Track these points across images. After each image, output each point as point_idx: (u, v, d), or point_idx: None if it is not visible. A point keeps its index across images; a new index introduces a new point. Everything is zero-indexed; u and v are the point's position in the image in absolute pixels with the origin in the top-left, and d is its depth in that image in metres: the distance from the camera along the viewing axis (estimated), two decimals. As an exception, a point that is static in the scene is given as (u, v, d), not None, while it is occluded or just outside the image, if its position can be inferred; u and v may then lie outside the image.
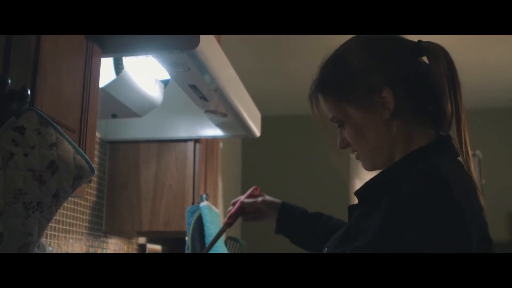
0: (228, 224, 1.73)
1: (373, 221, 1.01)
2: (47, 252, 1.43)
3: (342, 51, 1.21)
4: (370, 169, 1.22)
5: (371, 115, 1.15)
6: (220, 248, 2.46)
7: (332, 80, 1.20)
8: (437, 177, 1.00)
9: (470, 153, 1.11)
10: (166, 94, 2.20)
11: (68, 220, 2.28)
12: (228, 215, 1.73)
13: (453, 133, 1.16)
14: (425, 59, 1.18)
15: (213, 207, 2.61)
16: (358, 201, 1.16)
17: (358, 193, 1.16)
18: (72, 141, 1.19)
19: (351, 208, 1.16)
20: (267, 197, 1.68)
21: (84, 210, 2.43)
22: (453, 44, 4.07)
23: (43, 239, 2.06)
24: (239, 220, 5.30)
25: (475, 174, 1.11)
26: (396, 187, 1.02)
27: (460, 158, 1.12)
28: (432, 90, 1.14)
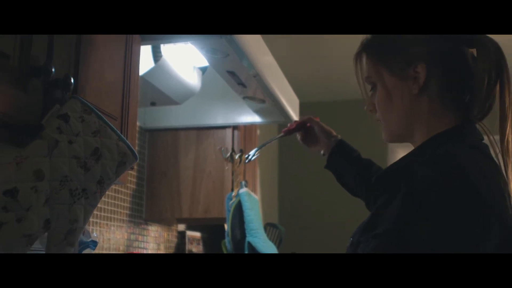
0: (286, 132, 1.68)
1: (393, 208, 1.00)
2: (92, 238, 1.45)
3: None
4: (387, 139, 1.23)
5: (402, 84, 1.15)
6: (260, 233, 2.46)
7: (377, 42, 1.20)
8: (453, 163, 0.99)
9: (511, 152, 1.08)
10: (204, 81, 2.20)
11: (109, 208, 2.31)
12: (289, 125, 1.69)
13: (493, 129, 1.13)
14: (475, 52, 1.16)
15: (252, 194, 2.62)
16: (380, 189, 1.15)
17: (376, 179, 1.16)
18: (115, 128, 1.20)
19: (376, 196, 1.15)
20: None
21: (125, 198, 2.45)
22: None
23: (87, 226, 2.10)
24: (277, 206, 5.29)
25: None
26: (412, 174, 1.01)
27: (483, 144, 1.11)
28: (469, 80, 1.12)
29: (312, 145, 1.68)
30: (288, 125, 1.69)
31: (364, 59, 1.22)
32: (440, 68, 1.13)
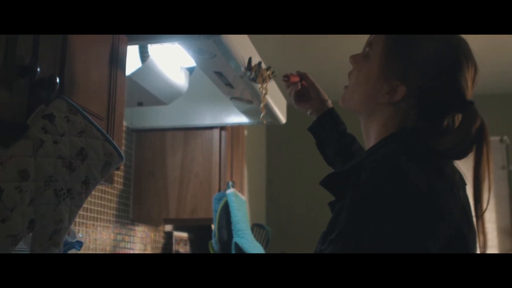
0: (286, 80, 1.63)
1: (343, 213, 1.01)
2: (78, 239, 1.44)
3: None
4: (342, 104, 1.25)
5: (380, 84, 1.15)
6: (247, 234, 2.46)
7: (402, 37, 1.17)
8: (394, 165, 1.00)
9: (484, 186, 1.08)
10: (191, 81, 2.20)
11: (96, 208, 2.30)
12: (291, 76, 1.65)
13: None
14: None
15: (239, 194, 2.62)
16: (334, 195, 1.13)
17: (321, 183, 1.14)
18: (101, 128, 1.19)
19: (331, 204, 1.15)
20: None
21: (112, 198, 2.45)
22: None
23: (72, 227, 2.09)
24: (264, 207, 5.28)
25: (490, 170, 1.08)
26: (357, 178, 1.00)
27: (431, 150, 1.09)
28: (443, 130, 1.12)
29: (301, 102, 1.66)
30: (290, 75, 1.65)
31: (379, 36, 1.20)
32: (419, 102, 1.12)
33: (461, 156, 1.08)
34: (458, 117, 1.12)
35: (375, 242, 0.95)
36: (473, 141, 1.07)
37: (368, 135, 1.20)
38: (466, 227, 1.04)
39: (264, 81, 1.69)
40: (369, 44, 1.22)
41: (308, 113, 1.65)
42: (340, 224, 1.00)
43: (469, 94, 1.14)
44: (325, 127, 1.60)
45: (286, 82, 1.63)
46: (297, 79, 1.64)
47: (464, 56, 1.13)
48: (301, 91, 1.66)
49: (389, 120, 1.15)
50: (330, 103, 1.63)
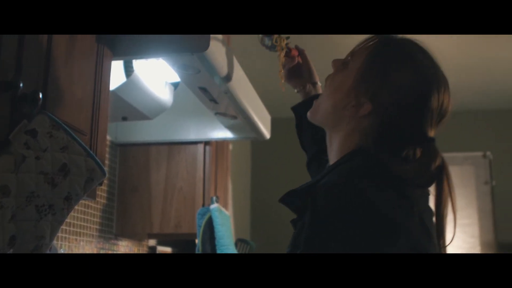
0: (287, 50, 1.63)
1: (303, 232, 1.01)
2: (59, 254, 1.43)
3: (401, 44, 1.19)
4: (310, 117, 1.27)
5: (349, 96, 1.16)
6: (230, 249, 2.46)
7: (379, 53, 1.17)
8: (350, 186, 1.00)
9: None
10: (176, 96, 2.20)
11: (79, 223, 2.29)
12: (293, 50, 1.64)
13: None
14: None
15: (223, 209, 2.61)
16: (294, 212, 1.13)
17: (280, 200, 1.15)
18: (84, 144, 1.19)
19: (293, 222, 1.15)
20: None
21: (95, 212, 2.43)
22: (466, 44, 4.04)
23: (54, 242, 2.07)
24: (249, 222, 5.25)
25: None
26: (313, 197, 1.01)
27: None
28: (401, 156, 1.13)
29: (292, 78, 1.66)
30: (291, 49, 1.64)
31: (363, 48, 1.21)
32: (380, 125, 1.13)
33: (422, 186, 1.09)
34: (419, 150, 1.11)
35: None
36: (433, 178, 1.07)
37: (331, 148, 1.21)
38: (428, 246, 1.04)
39: (282, 49, 1.66)
40: (351, 53, 1.23)
41: (296, 90, 1.65)
42: (300, 244, 1.00)
43: (433, 131, 1.13)
44: (304, 111, 1.59)
45: (287, 53, 1.62)
46: (296, 53, 1.63)
47: (437, 92, 1.13)
48: (295, 67, 1.66)
49: (351, 135, 1.16)
50: (319, 87, 1.63)
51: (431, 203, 1.09)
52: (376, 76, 1.14)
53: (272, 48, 1.64)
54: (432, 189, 1.09)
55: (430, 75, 1.14)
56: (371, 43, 1.20)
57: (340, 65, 1.24)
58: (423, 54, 1.17)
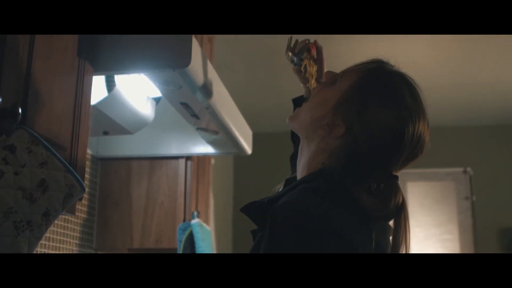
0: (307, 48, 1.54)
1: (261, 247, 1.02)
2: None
3: (389, 77, 1.20)
4: (289, 122, 1.29)
5: (326, 114, 1.18)
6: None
7: (366, 80, 1.19)
8: (306, 202, 1.01)
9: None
10: (157, 111, 2.20)
11: (58, 237, 2.27)
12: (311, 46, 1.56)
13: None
14: None
15: (204, 225, 2.61)
16: (255, 223, 1.15)
17: (242, 210, 1.15)
18: (63, 160, 1.19)
19: (253, 232, 1.15)
20: None
21: (75, 227, 2.42)
22: (446, 61, 4.09)
23: (33, 257, 2.05)
24: (231, 237, 5.22)
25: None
26: (273, 212, 1.02)
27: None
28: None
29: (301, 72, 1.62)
30: (310, 44, 1.56)
31: (353, 70, 1.22)
32: (348, 152, 1.14)
33: (380, 219, 1.09)
34: (382, 184, 1.12)
35: None
36: (392, 213, 1.08)
37: (300, 160, 1.23)
38: None
39: (312, 76, 1.61)
40: (344, 72, 1.24)
41: (302, 85, 1.63)
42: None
43: (399, 170, 1.15)
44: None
45: (316, 79, 1.57)
46: (314, 51, 1.57)
47: (412, 135, 1.13)
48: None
49: (320, 153, 1.17)
50: None
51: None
52: (357, 104, 1.15)
53: (298, 66, 1.56)
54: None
55: (409, 117, 1.14)
56: (363, 69, 1.21)
57: (331, 80, 1.25)
58: (409, 91, 1.17)
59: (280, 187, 1.18)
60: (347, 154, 1.13)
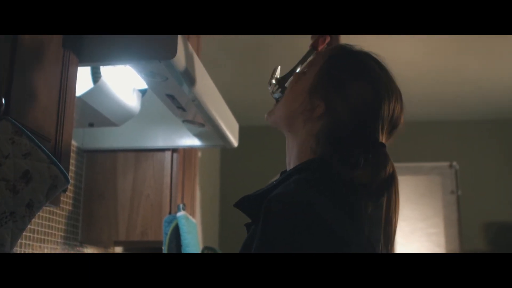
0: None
1: (254, 241, 1.02)
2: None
3: (355, 56, 1.22)
4: (267, 117, 1.30)
5: (304, 100, 1.20)
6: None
7: (335, 57, 1.22)
8: (300, 194, 1.02)
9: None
10: (143, 103, 2.19)
11: (43, 230, 2.25)
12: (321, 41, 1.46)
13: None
14: None
15: (190, 217, 2.60)
16: (249, 217, 1.16)
17: (235, 205, 1.17)
18: (47, 151, 1.18)
19: (247, 225, 1.16)
20: None
21: (60, 219, 2.40)
22: (432, 56, 4.10)
23: (16, 249, 2.04)
24: (217, 230, 5.22)
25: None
26: (267, 204, 1.02)
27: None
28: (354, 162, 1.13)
29: None
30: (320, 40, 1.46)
31: (320, 53, 1.26)
32: (332, 127, 1.15)
33: (373, 196, 1.09)
34: (371, 157, 1.12)
35: None
36: (384, 186, 1.08)
37: (291, 154, 1.23)
38: None
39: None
40: (310, 61, 1.28)
41: None
42: (250, 250, 1.02)
43: (384, 138, 1.16)
44: None
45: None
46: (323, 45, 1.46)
47: (388, 102, 1.16)
48: None
49: (307, 140, 1.18)
50: None
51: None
52: (331, 81, 1.18)
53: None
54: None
55: (382, 86, 1.17)
56: (329, 52, 1.25)
57: (300, 73, 1.27)
58: (378, 65, 1.21)
59: (275, 180, 1.18)
60: (331, 131, 1.15)
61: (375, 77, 1.18)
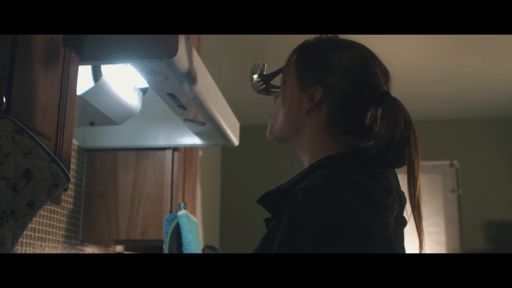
0: None
1: (278, 234, 1.02)
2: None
3: (325, 39, 1.25)
4: (269, 135, 1.28)
5: (299, 96, 1.20)
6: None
7: (305, 49, 1.24)
8: (329, 189, 1.01)
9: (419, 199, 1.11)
10: (144, 102, 2.19)
11: (44, 228, 2.26)
12: None
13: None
14: None
15: (191, 216, 2.60)
16: (270, 212, 1.16)
17: (258, 201, 1.16)
18: (48, 149, 1.18)
19: (266, 220, 1.15)
20: None
21: (61, 218, 2.41)
22: (433, 54, 4.10)
23: (18, 248, 2.04)
24: (218, 229, 5.23)
25: (420, 198, 1.11)
26: (293, 199, 1.02)
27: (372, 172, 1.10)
28: (369, 129, 1.16)
29: None
30: None
31: (291, 55, 1.26)
32: (337, 103, 1.16)
33: (396, 160, 1.10)
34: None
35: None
36: (401, 133, 1.09)
37: (303, 154, 1.22)
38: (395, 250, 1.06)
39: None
40: (284, 71, 1.27)
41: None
42: (272, 242, 1.01)
43: (385, 88, 1.19)
44: None
45: None
46: None
47: (373, 59, 1.19)
48: None
49: (319, 132, 1.17)
50: None
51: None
52: (313, 64, 1.19)
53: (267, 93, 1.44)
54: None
55: (358, 45, 1.21)
56: (297, 46, 1.26)
57: (281, 85, 1.27)
58: (345, 39, 1.24)
59: (298, 175, 1.18)
60: (337, 104, 1.15)
61: (346, 41, 1.22)
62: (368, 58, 1.19)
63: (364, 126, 1.15)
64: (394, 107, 1.11)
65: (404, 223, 1.14)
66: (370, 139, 1.14)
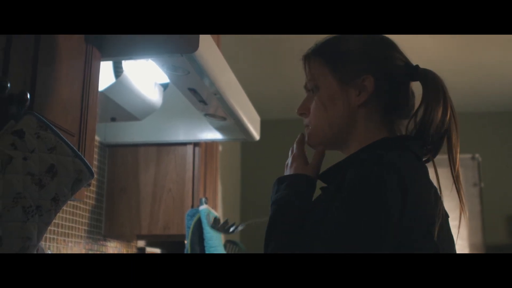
0: None
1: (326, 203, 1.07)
2: (46, 256, 1.42)
3: (339, 36, 1.26)
4: (315, 143, 1.26)
5: (345, 92, 1.19)
6: (219, 250, 2.46)
7: (331, 46, 1.24)
8: (373, 169, 1.03)
9: (458, 173, 1.15)
10: (165, 97, 2.20)
11: (67, 224, 2.27)
12: None
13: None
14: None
15: (213, 211, 2.61)
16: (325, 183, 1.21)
17: (320, 175, 1.22)
18: (71, 145, 1.18)
19: (322, 189, 1.20)
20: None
21: (83, 213, 2.42)
22: (454, 47, 4.07)
23: (42, 243, 2.06)
24: (239, 216, 5.22)
25: (461, 182, 1.15)
26: (342, 174, 1.06)
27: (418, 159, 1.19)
28: (412, 106, 1.22)
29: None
30: None
31: (312, 61, 1.25)
32: (386, 86, 1.18)
33: (439, 128, 1.18)
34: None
35: (334, 232, 1.01)
36: (439, 99, 1.15)
37: (351, 152, 1.22)
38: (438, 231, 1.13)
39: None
40: (309, 79, 1.26)
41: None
42: (322, 209, 1.06)
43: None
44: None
45: None
46: None
47: (388, 39, 1.24)
48: None
49: (370, 122, 1.19)
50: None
51: None
52: (348, 56, 1.21)
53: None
54: None
55: (375, 35, 1.24)
56: (308, 57, 1.27)
57: (310, 96, 1.26)
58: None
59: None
60: (388, 87, 1.19)
61: (366, 36, 1.24)
62: (386, 39, 1.23)
63: (410, 103, 1.21)
64: (432, 77, 1.18)
65: (446, 215, 1.17)
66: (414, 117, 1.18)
